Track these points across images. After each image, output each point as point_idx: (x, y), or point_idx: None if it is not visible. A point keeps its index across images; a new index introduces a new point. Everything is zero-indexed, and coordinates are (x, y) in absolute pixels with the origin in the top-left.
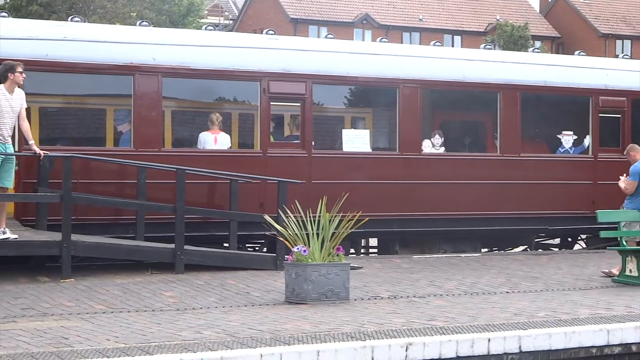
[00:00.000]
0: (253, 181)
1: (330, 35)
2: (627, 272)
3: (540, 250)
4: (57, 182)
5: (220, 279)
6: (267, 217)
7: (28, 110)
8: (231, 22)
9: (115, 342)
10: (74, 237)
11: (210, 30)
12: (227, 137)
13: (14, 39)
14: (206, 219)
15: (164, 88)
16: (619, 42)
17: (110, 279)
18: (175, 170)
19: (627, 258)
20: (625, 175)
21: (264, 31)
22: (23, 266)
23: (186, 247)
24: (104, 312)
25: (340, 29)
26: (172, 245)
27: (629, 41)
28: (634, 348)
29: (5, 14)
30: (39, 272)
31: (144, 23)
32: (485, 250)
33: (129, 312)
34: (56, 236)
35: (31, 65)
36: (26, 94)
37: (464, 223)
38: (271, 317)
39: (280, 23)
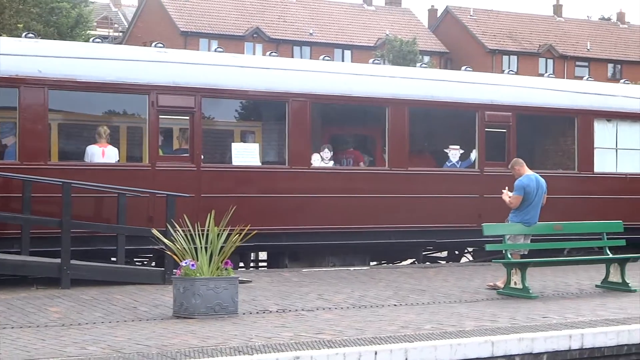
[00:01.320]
0: (141, 195)
1: (220, 49)
2: (512, 285)
3: (428, 263)
4: None
5: (108, 294)
6: (155, 231)
7: None
8: (121, 34)
9: None
10: None
11: (99, 42)
12: (115, 150)
13: None
14: (94, 233)
15: (50, 100)
16: (505, 57)
17: None
18: (61, 183)
19: (511, 271)
20: (508, 188)
21: (153, 44)
22: None
23: (73, 261)
24: None
25: (231, 42)
26: (58, 260)
27: (515, 57)
28: (517, 359)
29: None
30: None
31: (30, 35)
32: (374, 263)
33: (12, 328)
34: None
35: None
36: None
37: (353, 236)
38: (158, 332)
39: (171, 36)
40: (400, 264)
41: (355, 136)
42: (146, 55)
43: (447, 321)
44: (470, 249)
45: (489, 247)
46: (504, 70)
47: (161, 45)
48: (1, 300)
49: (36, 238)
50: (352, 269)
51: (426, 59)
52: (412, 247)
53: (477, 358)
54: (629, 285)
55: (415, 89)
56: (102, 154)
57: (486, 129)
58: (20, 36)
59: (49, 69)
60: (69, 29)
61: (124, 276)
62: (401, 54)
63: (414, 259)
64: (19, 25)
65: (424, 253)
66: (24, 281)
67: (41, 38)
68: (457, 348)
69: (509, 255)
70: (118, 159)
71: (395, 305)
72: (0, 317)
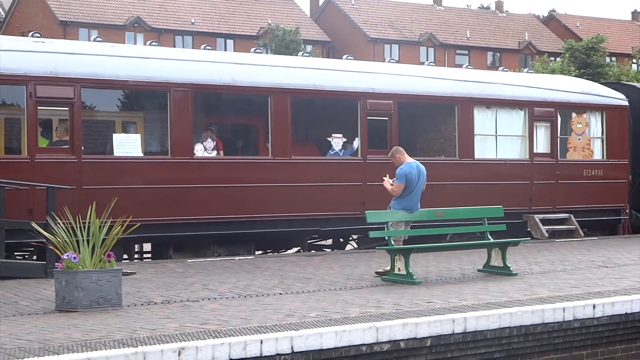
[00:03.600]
0: (20, 187)
1: (99, 39)
2: (396, 271)
3: (313, 251)
4: None
5: None
6: (34, 225)
7: None
8: None
9: None
10: None
11: None
12: None
13: None
14: None
15: None
16: (387, 46)
17: None
18: None
19: (395, 257)
20: (389, 176)
21: (30, 34)
22: None
23: None
24: None
25: (111, 32)
26: None
27: (397, 46)
28: (402, 344)
29: None
30: None
31: None
32: (260, 252)
33: None
34: None
35: None
36: None
37: (238, 226)
38: (40, 327)
39: (49, 26)
40: (286, 252)
41: (238, 126)
42: (23, 45)
43: (332, 308)
44: (354, 237)
45: (372, 234)
46: (385, 59)
47: (38, 35)
48: None
49: None
50: (237, 258)
51: (309, 48)
52: (297, 235)
53: (362, 344)
54: (510, 269)
55: (297, 78)
56: None
57: (368, 117)
58: None
59: None
60: None
61: (4, 270)
62: (284, 43)
63: (300, 248)
64: None
65: (309, 241)
66: None
67: None
68: (342, 335)
69: (392, 242)
70: None
71: (280, 293)
72: None
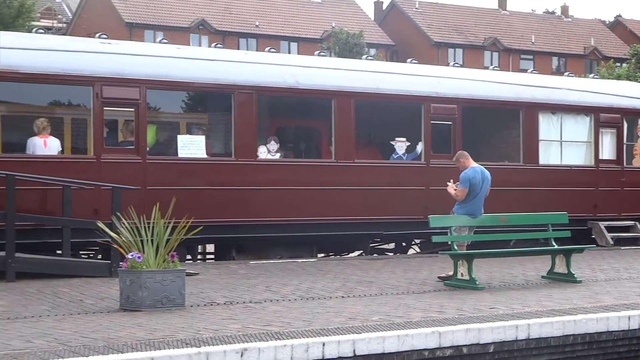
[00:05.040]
0: (87, 187)
1: (164, 40)
2: (459, 276)
3: (375, 255)
4: None
5: (53, 287)
6: (100, 224)
7: None
8: (65, 25)
9: None
10: None
11: (42, 33)
12: (57, 141)
13: None
14: (39, 225)
15: None
16: (450, 50)
17: None
18: (4, 175)
19: (458, 262)
20: (453, 181)
21: (97, 35)
22: None
23: (17, 254)
24: None
25: (176, 34)
26: (3, 253)
27: (461, 50)
28: (464, 350)
29: None
30: None
31: None
32: (322, 255)
33: None
34: None
35: None
36: None
37: (300, 229)
38: (105, 325)
39: (115, 27)
40: (348, 255)
41: (301, 128)
42: (90, 46)
43: (394, 312)
44: (417, 241)
45: (435, 239)
46: (449, 63)
47: (105, 36)
48: None
49: None
50: (299, 261)
51: (372, 51)
52: (360, 239)
53: (424, 349)
54: (574, 276)
55: (361, 81)
56: (44, 144)
57: (432, 121)
58: None
59: None
60: (11, 19)
61: (69, 269)
62: (347, 47)
63: (362, 251)
64: None
65: (371, 245)
66: None
67: None
68: (405, 339)
69: (455, 247)
70: (61, 149)
71: (342, 297)
72: None
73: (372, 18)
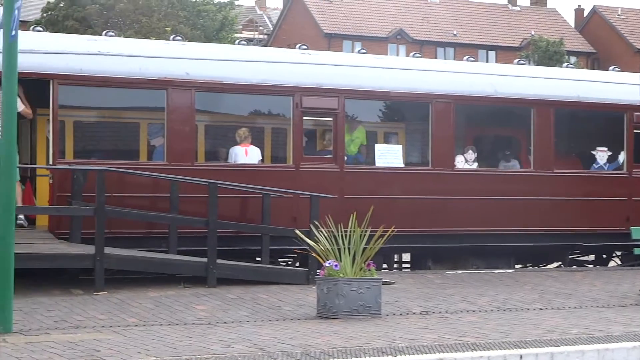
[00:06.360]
0: (285, 195)
1: (363, 50)
2: None
3: (574, 266)
4: (91, 195)
5: (252, 293)
6: (298, 232)
7: (63, 123)
8: (266, 37)
9: (147, 356)
10: (107, 250)
11: (243, 44)
12: (258, 150)
13: (49, 53)
14: (238, 233)
15: (197, 102)
16: None
17: (143, 292)
18: (207, 184)
19: None
20: None
21: (297, 46)
22: (56, 278)
23: (218, 261)
24: (136, 325)
25: (374, 44)
26: (205, 259)
27: None
28: None
29: (40, 29)
30: (73, 285)
31: (178, 38)
32: (519, 266)
33: (160, 325)
34: (89, 249)
35: (66, 80)
36: (60, 107)
37: (497, 239)
38: (302, 332)
39: (315, 38)
40: (546, 267)
41: (499, 137)
42: (291, 57)
43: (594, 326)
44: (618, 253)
45: (637, 251)
46: None
47: (305, 47)
48: (150, 297)
49: (183, 237)
50: (496, 271)
51: (573, 59)
52: (558, 250)
53: None
54: None
55: (561, 89)
56: (245, 153)
57: (635, 130)
58: (168, 39)
59: (195, 71)
60: (214, 31)
61: (268, 276)
62: (547, 55)
63: (560, 262)
64: (166, 28)
65: (570, 256)
66: (171, 279)
67: (188, 41)
68: (605, 353)
69: None
70: (261, 158)
71: (540, 309)
72: (149, 315)
73: (573, 25)
